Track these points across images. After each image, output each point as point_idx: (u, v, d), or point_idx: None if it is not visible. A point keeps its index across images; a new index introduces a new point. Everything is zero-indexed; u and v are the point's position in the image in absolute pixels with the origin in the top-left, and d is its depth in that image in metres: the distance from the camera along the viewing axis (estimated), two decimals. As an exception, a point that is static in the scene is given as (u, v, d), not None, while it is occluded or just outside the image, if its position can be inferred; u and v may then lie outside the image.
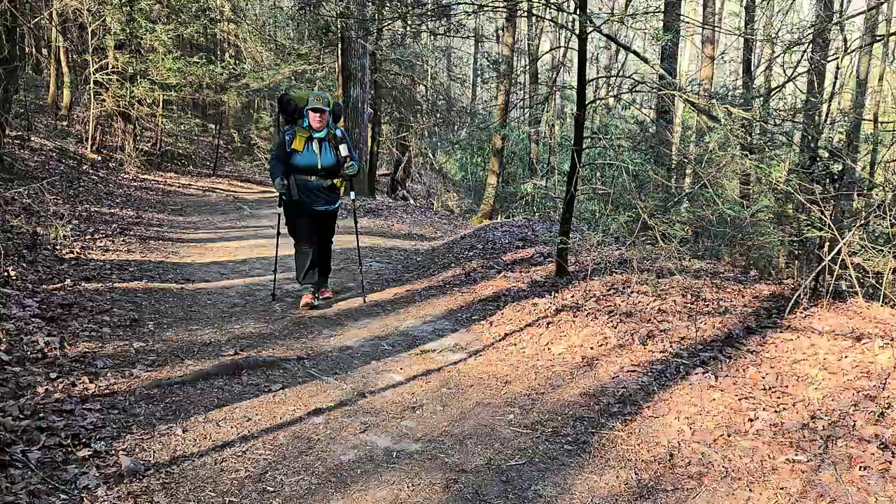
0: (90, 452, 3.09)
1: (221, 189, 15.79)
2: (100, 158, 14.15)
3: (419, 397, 4.06)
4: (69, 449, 3.09)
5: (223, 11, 18.42)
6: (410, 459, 3.27)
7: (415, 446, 3.41)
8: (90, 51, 13.86)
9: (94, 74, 13.93)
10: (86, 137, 14.31)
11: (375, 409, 3.86)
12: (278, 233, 6.21)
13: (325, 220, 6.09)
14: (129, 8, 14.05)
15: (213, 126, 21.22)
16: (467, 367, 4.62)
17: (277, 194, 5.95)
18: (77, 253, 6.87)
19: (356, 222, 6.99)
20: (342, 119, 6.12)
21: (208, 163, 19.24)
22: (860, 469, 2.97)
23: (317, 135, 5.73)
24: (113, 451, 3.14)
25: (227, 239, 9.28)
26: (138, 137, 16.30)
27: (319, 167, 5.76)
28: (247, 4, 19.57)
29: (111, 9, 13.72)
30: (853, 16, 10.08)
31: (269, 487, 2.96)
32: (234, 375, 4.25)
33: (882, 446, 3.11)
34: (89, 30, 13.72)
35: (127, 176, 13.84)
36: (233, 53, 20.66)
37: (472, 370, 4.55)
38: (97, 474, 2.92)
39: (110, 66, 14.26)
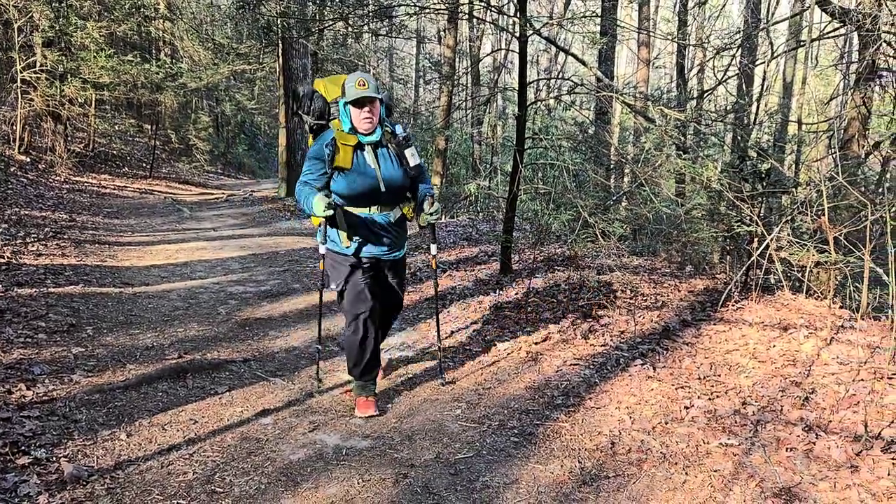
0: (30, 460, 3.01)
1: (159, 191, 15.41)
2: (29, 160, 13.62)
3: (367, 395, 4.09)
4: (7, 457, 3.01)
5: (158, 9, 17.97)
6: (360, 456, 3.31)
7: (364, 443, 3.45)
8: (16, 48, 13.32)
9: (21, 73, 13.39)
10: (13, 138, 13.74)
11: (324, 408, 3.88)
12: (322, 296, 4.05)
13: (392, 273, 3.90)
14: (58, 4, 13.57)
15: (149, 126, 20.66)
16: (414, 364, 4.67)
17: (320, 233, 3.74)
18: (8, 258, 6.63)
19: (436, 287, 4.39)
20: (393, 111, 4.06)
21: (145, 164, 18.73)
22: (787, 450, 3.15)
23: (367, 139, 3.59)
24: (54, 458, 3.07)
25: (167, 242, 9.09)
26: (70, 138, 15.75)
27: (383, 189, 3.62)
28: (183, 2, 19.13)
29: (39, 5, 13.22)
30: (778, 22, 10.56)
31: (218, 489, 2.95)
32: (178, 379, 4.19)
33: (806, 428, 3.30)
34: (15, 26, 13.19)
35: (58, 178, 13.36)
36: (169, 52, 20.18)
37: (420, 368, 4.60)
38: (38, 482, 2.85)
39: (39, 65, 13.73)
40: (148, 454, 3.23)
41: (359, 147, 3.58)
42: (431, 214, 3.67)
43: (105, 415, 3.62)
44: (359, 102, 3.48)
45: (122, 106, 19.53)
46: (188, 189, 16.86)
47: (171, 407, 3.78)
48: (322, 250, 3.73)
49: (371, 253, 3.71)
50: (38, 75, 13.69)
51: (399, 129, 3.70)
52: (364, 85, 3.45)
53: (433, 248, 4.18)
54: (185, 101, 20.51)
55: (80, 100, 14.95)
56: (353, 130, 3.56)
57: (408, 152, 3.66)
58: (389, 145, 3.67)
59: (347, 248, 3.66)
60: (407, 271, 5.38)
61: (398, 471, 3.16)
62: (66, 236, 8.38)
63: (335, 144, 3.54)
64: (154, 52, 20.65)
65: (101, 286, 6.32)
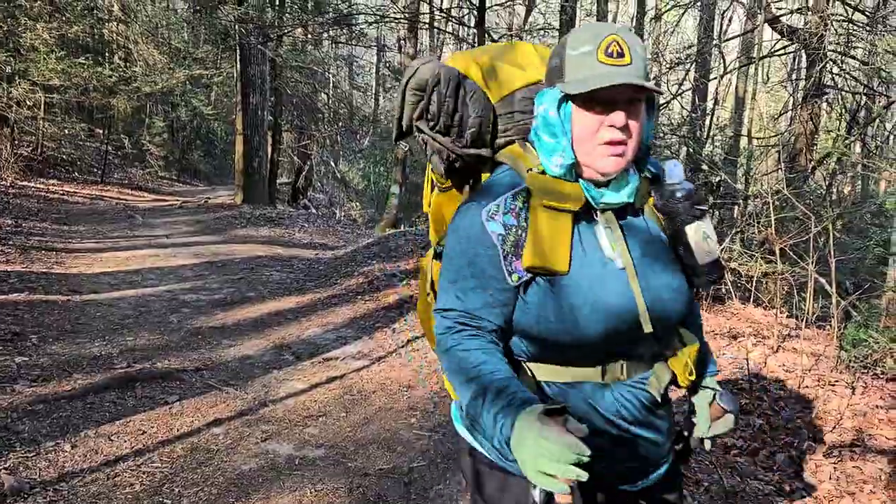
0: (-33, 473, 2.91)
1: (110, 197, 15.04)
2: (-27, 163, 13.18)
3: (322, 405, 4.05)
4: (-57, 471, 2.90)
5: (112, 11, 17.62)
6: (313, 466, 3.27)
7: (317, 452, 3.42)
8: (-39, 48, 12.90)
9: (-34, 73, 12.97)
10: (-43, 141, 13.29)
11: (277, 418, 3.83)
12: None
13: None
14: (6, 4, 13.18)
15: (101, 131, 20.19)
16: (370, 373, 4.65)
17: (462, 419, 1.52)
18: (-52, 264, 6.39)
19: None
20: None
21: (96, 169, 18.27)
22: (734, 455, 3.23)
23: (608, 196, 1.33)
24: (-7, 471, 2.97)
25: (118, 249, 8.87)
26: (17, 142, 15.26)
27: (649, 326, 1.31)
28: (137, 5, 18.77)
29: (-14, 4, 12.83)
30: (730, 38, 10.88)
31: (166, 500, 2.89)
32: (127, 388, 4.09)
33: (752, 434, 3.39)
34: (-39, 26, 12.78)
35: (4, 182, 12.94)
36: (122, 56, 19.78)
37: (375, 376, 4.58)
38: (-24, 496, 2.76)
39: (-15, 65, 13.31)
40: (93, 466, 3.14)
41: (584, 217, 1.36)
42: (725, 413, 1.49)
43: (49, 425, 3.51)
44: (604, 97, 1.28)
45: (72, 109, 19.01)
46: (141, 195, 16.51)
47: (118, 417, 3.69)
48: (466, 437, 1.52)
49: (601, 480, 1.33)
50: (-16, 76, 13.27)
51: (676, 171, 1.42)
52: (623, 55, 1.28)
53: (714, 426, 1.51)
54: (138, 105, 20.09)
55: (28, 102, 14.52)
56: (574, 171, 1.34)
57: (695, 230, 1.38)
58: (662, 217, 1.43)
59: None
60: (364, 279, 5.03)
61: (352, 480, 3.13)
62: (11, 242, 8.12)
63: (522, 206, 1.35)
64: (107, 55, 20.21)
65: (48, 294, 6.14)
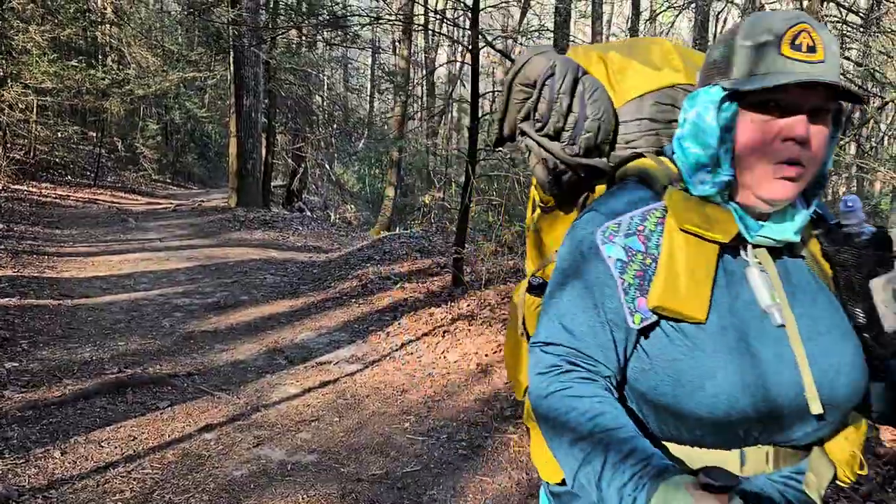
0: (-46, 481, 2.87)
1: (104, 200, 14.98)
2: (-35, 167, 13.10)
3: (315, 409, 4.03)
4: (-70, 479, 2.86)
5: (105, 13, 17.56)
6: (306, 471, 3.25)
7: (310, 458, 3.39)
8: (-47, 51, 12.83)
9: (-42, 76, 12.90)
10: (-52, 144, 13.21)
11: (270, 423, 3.80)
12: None
13: None
14: (-2, 7, 13.13)
15: (94, 134, 20.11)
16: (364, 377, 4.62)
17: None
18: (-62, 268, 6.34)
19: None
20: None
21: (89, 173, 18.20)
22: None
23: (769, 233, 1.02)
24: (-19, 479, 2.93)
25: (111, 252, 8.83)
26: (9, 145, 15.20)
27: (816, 407, 0.97)
28: (131, 7, 18.72)
29: (-22, 7, 12.77)
30: (723, 40, 10.92)
31: (156, 508, 2.86)
32: (117, 394, 4.06)
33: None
34: (-48, 28, 12.71)
35: (-4, 186, 12.89)
36: (116, 58, 19.73)
37: (369, 380, 4.55)
38: (-37, 504, 2.72)
39: (-24, 69, 13.25)
40: (83, 472, 3.10)
41: (730, 251, 1.04)
42: None
43: (38, 432, 3.47)
44: (785, 102, 0.97)
45: (65, 112, 18.94)
46: (135, 199, 16.45)
47: (109, 423, 3.65)
48: None
49: None
50: (-24, 79, 13.20)
51: (854, 208, 1.08)
52: (814, 49, 0.95)
53: None
54: (132, 108, 20.03)
55: (20, 105, 14.46)
56: (726, 190, 1.04)
57: (883, 287, 1.02)
58: (807, 256, 1.09)
59: None
60: (358, 282, 5.07)
61: (344, 486, 3.11)
62: (2, 246, 8.06)
63: (654, 229, 1.04)
64: (100, 57, 20.15)
65: (39, 298, 6.09)
